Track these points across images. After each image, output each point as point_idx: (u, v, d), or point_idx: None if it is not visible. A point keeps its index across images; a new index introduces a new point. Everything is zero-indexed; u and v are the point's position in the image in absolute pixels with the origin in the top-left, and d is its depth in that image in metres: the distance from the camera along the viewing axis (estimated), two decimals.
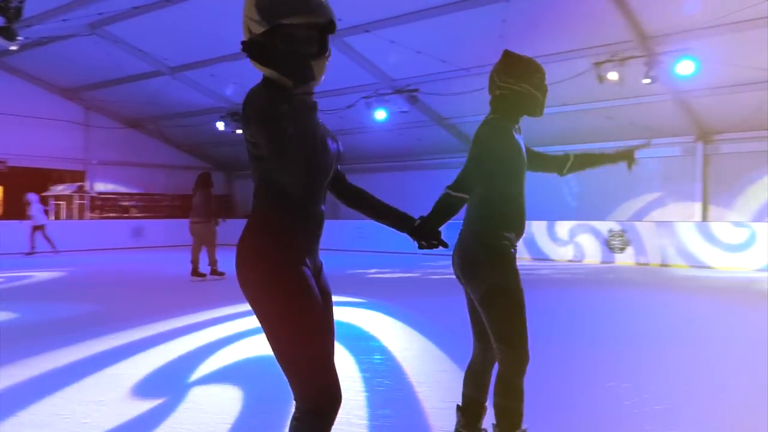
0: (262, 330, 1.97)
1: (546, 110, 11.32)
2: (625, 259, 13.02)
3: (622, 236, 13.15)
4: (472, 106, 13.59)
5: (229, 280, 9.44)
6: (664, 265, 12.40)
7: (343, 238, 15.83)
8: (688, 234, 12.28)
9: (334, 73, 13.15)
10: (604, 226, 13.44)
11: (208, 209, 9.90)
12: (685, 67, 9.84)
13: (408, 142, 16.08)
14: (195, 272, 9.96)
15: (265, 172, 1.97)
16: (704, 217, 12.90)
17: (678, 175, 13.40)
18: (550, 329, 5.87)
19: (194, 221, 9.96)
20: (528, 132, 11.53)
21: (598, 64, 10.54)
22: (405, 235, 2.35)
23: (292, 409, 1.99)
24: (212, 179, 10.36)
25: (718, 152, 12.79)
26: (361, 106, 13.78)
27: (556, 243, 14.07)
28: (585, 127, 13.33)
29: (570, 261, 13.64)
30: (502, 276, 2.59)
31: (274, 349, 1.95)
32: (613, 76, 10.40)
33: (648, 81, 10.18)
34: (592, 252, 13.51)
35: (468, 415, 2.76)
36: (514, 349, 2.56)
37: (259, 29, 1.91)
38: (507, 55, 2.87)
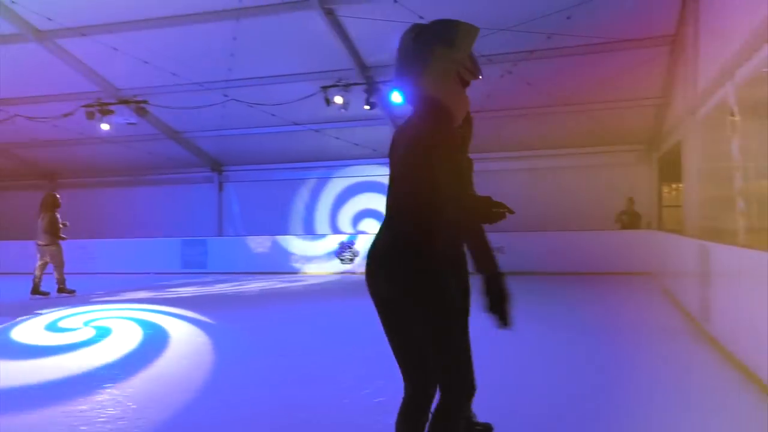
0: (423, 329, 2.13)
1: (278, 129, 11.78)
2: (355, 270, 14.08)
3: (351, 249, 14.22)
4: (207, 120, 13.42)
5: None
6: None
7: None
8: None
9: (45, 77, 11.92)
10: (335, 240, 14.39)
11: (54, 230, 10.28)
12: (396, 97, 11.09)
13: (138, 156, 15.14)
14: (36, 290, 10.34)
15: (430, 191, 2.15)
16: None
17: None
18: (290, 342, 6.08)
19: (41, 243, 10.30)
20: (258, 148, 11.71)
21: (325, 87, 11.27)
22: None
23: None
24: (59, 200, 10.59)
25: None
26: (80, 116, 12.55)
27: (293, 257, 14.61)
28: (315, 145, 14.12)
29: (304, 273, 14.25)
30: None
31: (423, 348, 2.19)
32: (338, 99, 11.22)
33: (368, 107, 11.22)
34: (325, 265, 14.34)
35: None
36: None
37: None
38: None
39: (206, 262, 15.29)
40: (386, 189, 2.34)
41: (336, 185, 15.55)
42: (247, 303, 9.65)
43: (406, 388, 2.33)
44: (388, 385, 4.44)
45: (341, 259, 14.29)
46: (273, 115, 12.54)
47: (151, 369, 5.24)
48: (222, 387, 4.62)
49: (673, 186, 13.40)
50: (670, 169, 11.46)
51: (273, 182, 15.93)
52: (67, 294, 10.46)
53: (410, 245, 2.16)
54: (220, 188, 16.40)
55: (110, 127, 12.80)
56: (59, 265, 10.40)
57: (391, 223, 2.25)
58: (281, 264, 14.60)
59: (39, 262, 10.42)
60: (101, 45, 10.49)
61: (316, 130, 13.40)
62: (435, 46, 2.26)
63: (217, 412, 3.97)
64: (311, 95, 11.57)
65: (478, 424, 3.34)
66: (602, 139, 12.60)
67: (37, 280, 10.38)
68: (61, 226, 10.44)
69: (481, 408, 3.28)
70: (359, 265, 14.05)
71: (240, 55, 10.76)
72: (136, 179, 16.71)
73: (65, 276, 10.49)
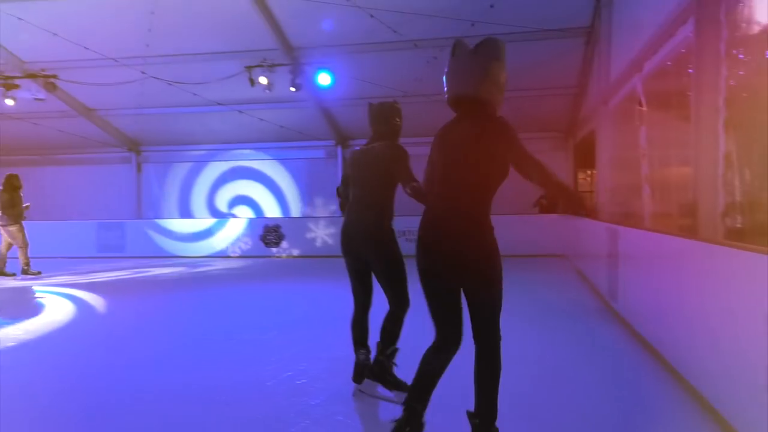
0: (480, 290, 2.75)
1: (201, 108, 11.42)
2: (280, 252, 13.98)
3: (276, 231, 14.09)
4: (124, 98, 12.83)
5: None
6: (312, 256, 13.69)
7: None
8: (329, 228, 13.83)
9: None
10: (259, 223, 14.21)
11: (15, 211, 10.32)
12: (323, 79, 11.02)
13: (47, 134, 14.28)
14: (1, 272, 10.54)
15: (490, 179, 2.77)
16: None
17: (322, 175, 14.93)
18: (213, 323, 5.98)
19: (7, 223, 10.34)
20: (179, 128, 11.33)
21: (249, 68, 11.01)
22: None
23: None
24: (19, 180, 10.58)
25: None
26: None
27: (216, 240, 14.33)
28: (239, 127, 13.81)
29: (228, 257, 14.01)
30: None
31: (483, 304, 2.76)
32: (263, 80, 11.00)
33: (293, 89, 11.07)
34: (249, 247, 14.15)
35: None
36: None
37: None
38: (397, 105, 4.05)
39: (124, 245, 14.72)
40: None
41: (261, 167, 15.28)
42: (166, 287, 9.39)
43: (438, 332, 2.89)
44: (311, 368, 4.49)
45: (266, 242, 14.13)
46: (195, 94, 12.14)
47: (61, 357, 5.04)
48: (139, 371, 4.50)
49: (588, 172, 14.05)
50: (585, 156, 12.01)
51: (195, 164, 15.47)
52: (32, 276, 10.53)
53: (477, 222, 2.76)
54: (139, 169, 15.75)
55: (15, 103, 12.00)
56: (22, 246, 10.47)
57: (454, 207, 2.78)
58: (204, 247, 14.27)
59: (2, 243, 10.58)
60: (4, 14, 9.79)
61: (241, 111, 13.09)
62: (491, 63, 2.89)
63: (135, 396, 3.88)
64: (235, 75, 11.27)
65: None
66: (522, 125, 12.97)
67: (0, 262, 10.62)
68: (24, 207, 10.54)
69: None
70: (284, 248, 13.96)
71: (158, 30, 10.32)
72: (45, 158, 15.79)
73: (30, 258, 10.60)
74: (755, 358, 2.68)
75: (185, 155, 15.43)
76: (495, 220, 2.81)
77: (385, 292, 3.79)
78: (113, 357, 5.04)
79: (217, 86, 11.73)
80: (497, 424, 2.85)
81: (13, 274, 10.56)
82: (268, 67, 10.98)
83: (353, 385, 4.03)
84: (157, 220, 15.12)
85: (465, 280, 2.77)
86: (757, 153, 3.85)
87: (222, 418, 3.53)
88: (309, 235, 13.93)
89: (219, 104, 12.69)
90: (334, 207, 14.75)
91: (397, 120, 3.94)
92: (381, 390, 3.89)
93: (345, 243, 3.86)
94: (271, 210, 14.95)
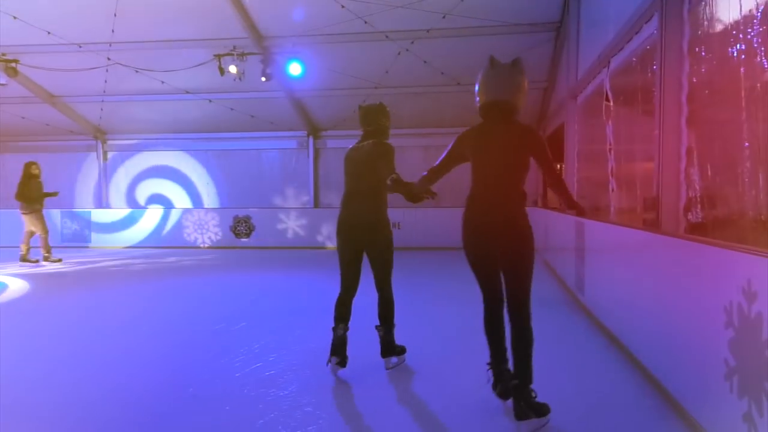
0: (519, 266, 3.27)
1: (169, 97, 11.27)
2: (250, 243, 13.89)
3: (247, 222, 13.98)
4: (88, 85, 12.54)
5: None
6: (283, 247, 13.64)
7: None
8: (300, 219, 13.79)
9: None
10: (229, 213, 14.07)
11: (30, 198, 10.63)
12: (294, 69, 10.92)
13: (8, 120, 13.87)
14: (23, 258, 10.78)
15: (526, 174, 3.37)
16: (316, 204, 14.58)
17: (294, 166, 14.83)
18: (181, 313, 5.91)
19: (23, 211, 10.70)
20: (147, 117, 11.13)
21: (218, 56, 10.85)
22: None
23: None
24: (34, 168, 10.87)
25: (324, 146, 14.59)
26: None
27: (186, 230, 14.17)
28: (209, 116, 13.60)
29: (198, 248, 13.87)
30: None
31: (524, 275, 3.27)
32: (233, 69, 10.85)
33: (264, 79, 10.95)
34: (219, 238, 14.02)
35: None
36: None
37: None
38: (383, 106, 4.38)
39: (89, 235, 14.44)
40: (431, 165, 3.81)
41: (229, 157, 15.08)
42: (132, 278, 9.25)
43: (488, 302, 3.49)
44: (280, 359, 4.49)
45: (236, 233, 14.01)
46: (163, 82, 11.93)
47: (28, 348, 4.94)
48: (105, 363, 4.44)
49: (558, 166, 14.24)
50: (554, 150, 12.14)
51: (164, 152, 15.17)
52: (53, 262, 10.85)
53: (522, 212, 3.31)
54: (105, 158, 15.40)
55: None
56: (41, 234, 10.82)
57: (498, 200, 3.30)
58: (173, 238, 14.09)
59: (25, 230, 10.91)
60: None
61: (210, 100, 12.91)
62: (522, 78, 3.47)
63: (100, 388, 3.83)
64: (204, 63, 11.10)
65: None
66: None
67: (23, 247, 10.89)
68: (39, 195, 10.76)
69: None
70: (254, 238, 13.87)
71: (124, 16, 10.08)
72: (6, 145, 15.32)
73: (31, 246, 10.88)
74: (714, 349, 2.76)
75: (152, 144, 15.13)
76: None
77: (378, 274, 4.24)
78: (80, 349, 4.96)
79: (185, 74, 11.54)
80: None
81: (36, 261, 10.76)
82: (238, 56, 10.83)
83: (323, 376, 4.06)
84: (123, 210, 14.86)
85: (511, 258, 3.28)
86: (718, 149, 3.95)
87: (189, 409, 3.51)
88: (280, 226, 13.88)
89: (188, 92, 12.49)
90: (306, 198, 14.68)
91: (384, 120, 4.32)
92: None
93: (345, 232, 4.26)
94: (242, 200, 14.77)
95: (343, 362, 4.10)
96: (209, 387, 3.90)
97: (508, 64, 3.47)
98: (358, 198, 4.20)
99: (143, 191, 15.35)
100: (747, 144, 3.42)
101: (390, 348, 4.33)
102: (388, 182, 3.92)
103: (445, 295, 7.35)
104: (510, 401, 3.31)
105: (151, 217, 14.30)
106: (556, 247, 8.98)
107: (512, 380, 3.22)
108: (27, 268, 10.33)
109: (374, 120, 4.29)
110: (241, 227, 14.01)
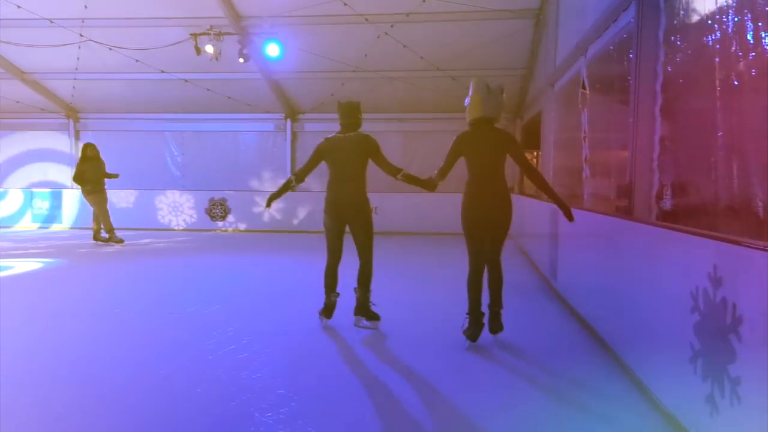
0: (503, 233, 4.53)
1: (144, 76, 11.11)
2: (226, 226, 13.77)
3: (222, 205, 13.85)
4: (60, 62, 12.25)
5: None
6: (259, 231, 13.56)
7: None
8: (277, 202, 13.67)
9: None
10: (205, 196, 13.92)
11: (78, 180, 10.78)
12: (272, 50, 10.78)
13: None
14: (97, 237, 10.97)
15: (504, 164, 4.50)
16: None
17: (271, 149, 14.70)
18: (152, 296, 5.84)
19: (83, 192, 10.84)
20: (121, 95, 10.90)
21: (194, 35, 10.66)
22: None
23: None
24: (89, 150, 10.92)
25: (302, 130, 14.47)
26: None
27: (161, 212, 14.00)
28: (185, 96, 13.38)
29: (173, 230, 13.71)
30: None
31: (504, 239, 4.55)
32: (209, 49, 10.68)
33: (242, 60, 10.79)
34: (194, 221, 13.88)
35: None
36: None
37: None
38: (359, 104, 5.14)
39: (60, 215, 14.18)
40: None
41: (205, 139, 14.87)
42: (105, 259, 9.11)
43: (476, 264, 4.51)
44: (254, 342, 4.47)
45: (212, 216, 13.88)
46: (137, 60, 11.69)
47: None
48: (76, 345, 4.38)
49: (534, 153, 14.33)
50: (532, 138, 12.23)
51: (138, 133, 14.88)
52: (102, 243, 10.88)
53: (508, 195, 4.52)
54: (77, 137, 15.08)
55: None
56: (99, 215, 10.83)
57: (492, 189, 4.44)
58: (146, 220, 13.89)
59: (95, 211, 10.97)
60: None
61: (186, 80, 12.69)
62: (504, 100, 4.65)
63: (71, 371, 3.79)
64: (180, 42, 10.90)
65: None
66: None
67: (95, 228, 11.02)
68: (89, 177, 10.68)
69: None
70: (230, 221, 13.77)
71: None
72: None
73: (101, 226, 10.87)
74: (680, 333, 2.82)
75: (127, 123, 14.82)
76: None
77: (362, 245, 4.95)
78: (47, 333, 4.88)
79: (161, 53, 11.33)
80: None
81: (122, 241, 10.82)
82: (215, 36, 10.67)
83: (296, 360, 4.07)
84: None
85: (499, 230, 4.48)
86: (691, 138, 4.01)
87: (160, 391, 3.49)
88: (256, 210, 13.76)
89: (163, 72, 12.27)
90: (283, 181, 14.53)
91: (359, 115, 5.06)
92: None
93: (333, 209, 4.89)
94: (218, 183, 14.59)
95: (330, 318, 5.03)
96: (181, 369, 3.88)
97: (498, 89, 4.60)
98: (345, 182, 4.89)
99: (116, 171, 15.05)
100: (720, 133, 3.47)
101: (364, 309, 5.00)
102: (399, 178, 4.82)
103: (420, 275, 7.39)
104: (471, 343, 4.45)
105: (125, 198, 14.07)
106: (531, 234, 9.07)
107: (495, 307, 4.53)
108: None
109: (353, 114, 5.00)
110: (217, 210, 13.88)
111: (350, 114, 5.01)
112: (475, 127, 4.57)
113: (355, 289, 5.01)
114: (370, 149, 4.93)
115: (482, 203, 4.43)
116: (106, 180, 10.89)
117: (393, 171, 4.88)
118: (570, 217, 4.49)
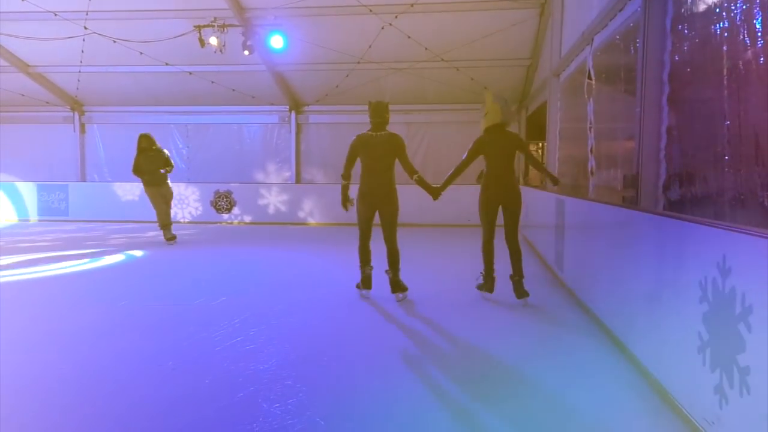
0: (517, 213, 5.60)
1: (150, 68, 11.21)
2: (231, 219, 13.80)
3: (228, 197, 13.87)
4: (65, 55, 12.26)
5: None
6: (265, 223, 13.58)
7: None
8: (282, 194, 13.71)
9: None
10: (210, 188, 13.94)
11: (142, 170, 9.86)
12: (276, 42, 10.76)
13: None
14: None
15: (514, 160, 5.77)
16: (297, 180, 14.50)
17: (276, 141, 14.69)
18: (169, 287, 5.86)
19: (146, 181, 9.90)
20: (125, 88, 10.94)
21: (198, 27, 10.64)
22: None
23: None
24: (143, 140, 9.96)
25: (307, 122, 14.45)
26: None
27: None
28: (189, 89, 13.39)
29: (178, 222, 13.74)
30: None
31: (518, 217, 5.62)
32: (213, 41, 10.66)
33: (247, 52, 10.77)
34: (200, 213, 13.91)
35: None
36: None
37: None
38: (387, 104, 5.77)
39: (67, 209, 14.24)
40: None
41: (210, 131, 14.88)
42: (112, 252, 9.14)
43: (489, 235, 5.64)
44: (261, 334, 4.49)
45: (217, 208, 13.90)
46: (141, 53, 11.69)
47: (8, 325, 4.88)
48: (85, 336, 4.41)
49: (539, 144, 14.30)
50: (536, 128, 12.20)
51: (142, 125, 14.80)
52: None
53: (517, 184, 5.59)
54: (82, 130, 15.12)
55: None
56: (153, 206, 10.13)
57: (507, 180, 5.53)
58: (151, 212, 13.82)
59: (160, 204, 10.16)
60: None
61: (190, 73, 12.69)
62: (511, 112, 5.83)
63: (80, 361, 3.81)
64: (184, 34, 10.89)
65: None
66: (475, 96, 13.09)
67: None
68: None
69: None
70: (235, 214, 13.79)
71: None
72: None
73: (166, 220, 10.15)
74: (688, 324, 2.81)
75: (132, 116, 14.85)
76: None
77: (389, 231, 5.69)
78: (52, 326, 4.92)
79: (165, 46, 11.32)
80: None
81: (173, 238, 10.09)
82: (219, 28, 10.65)
83: (303, 350, 4.08)
84: (102, 183, 14.66)
85: (512, 208, 5.55)
86: (698, 127, 3.98)
87: (168, 382, 3.51)
88: (261, 202, 13.79)
89: (168, 64, 12.27)
90: (288, 173, 14.58)
91: (388, 114, 5.69)
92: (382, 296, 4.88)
93: (366, 198, 5.60)
94: (223, 175, 14.62)
95: (370, 289, 5.78)
96: (189, 360, 3.90)
97: (508, 102, 5.79)
98: (376, 174, 5.57)
99: (121, 164, 15.12)
100: (728, 122, 3.45)
101: (398, 285, 5.69)
102: (414, 179, 5.67)
103: (432, 262, 7.40)
104: (484, 294, 5.77)
105: (130, 191, 14.11)
106: (536, 224, 9.06)
107: (516, 277, 5.54)
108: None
109: (382, 113, 5.64)
110: (222, 202, 13.90)
111: (380, 113, 5.63)
112: (491, 131, 5.58)
113: (386, 271, 5.73)
114: (398, 147, 5.64)
115: (497, 190, 5.50)
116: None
117: (411, 171, 5.67)
118: (555, 182, 5.91)
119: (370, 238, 5.74)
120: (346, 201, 5.72)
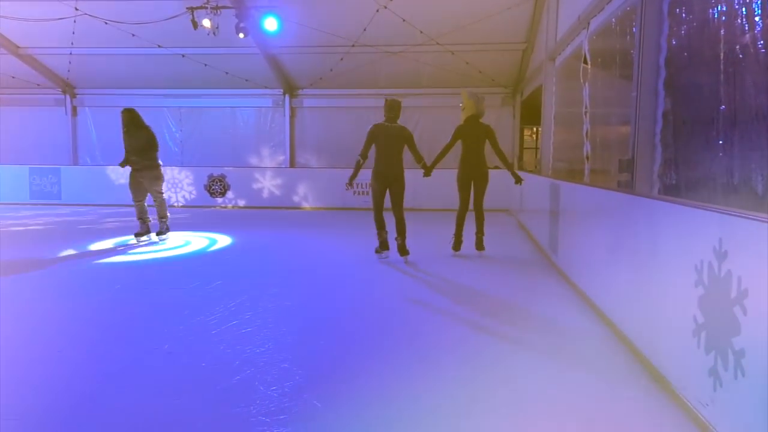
0: (484, 188, 7.25)
1: (142, 51, 11.14)
2: (225, 203, 13.76)
3: (221, 181, 13.81)
4: (55, 36, 12.11)
5: None
6: (259, 207, 13.55)
7: None
8: (276, 178, 13.67)
9: None
10: (204, 172, 13.88)
11: (141, 151, 8.44)
12: (270, 24, 10.65)
13: None
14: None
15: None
16: (292, 164, 14.45)
17: (270, 125, 14.61)
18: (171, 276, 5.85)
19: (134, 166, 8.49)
20: (117, 71, 10.79)
21: (191, 9, 10.51)
22: None
23: None
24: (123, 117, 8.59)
25: (301, 105, 14.37)
26: None
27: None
28: (182, 72, 13.27)
29: (172, 206, 13.70)
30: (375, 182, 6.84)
31: (484, 192, 7.30)
32: (207, 23, 10.54)
33: (242, 35, 10.66)
34: (194, 197, 13.86)
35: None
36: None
37: None
38: (400, 101, 6.97)
39: (59, 192, 14.15)
40: None
41: (203, 114, 14.78)
42: (105, 235, 9.11)
43: (463, 206, 7.21)
44: (256, 317, 4.50)
45: (211, 192, 13.85)
46: (133, 35, 11.56)
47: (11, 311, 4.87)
48: (78, 319, 4.41)
49: (533, 129, 14.28)
50: (531, 113, 12.17)
51: (135, 108, 14.76)
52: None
53: (486, 165, 7.19)
54: (74, 113, 14.98)
55: None
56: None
57: (473, 160, 7.02)
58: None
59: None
60: None
61: (183, 55, 12.56)
62: (484, 103, 7.37)
63: (72, 343, 3.81)
64: (176, 16, 10.76)
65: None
66: (470, 80, 13.05)
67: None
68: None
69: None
70: (229, 198, 13.75)
71: None
72: None
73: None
74: (683, 307, 2.83)
75: (124, 99, 14.67)
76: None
77: (397, 204, 6.91)
78: (53, 309, 4.91)
79: (157, 27, 11.19)
80: None
81: (147, 232, 8.70)
82: (212, 10, 10.52)
83: (299, 333, 4.10)
84: (94, 167, 14.56)
85: (481, 184, 7.11)
86: (693, 112, 3.99)
87: (165, 365, 3.51)
88: (255, 186, 13.75)
89: (160, 46, 12.14)
90: (282, 157, 14.53)
91: (399, 111, 6.88)
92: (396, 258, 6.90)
93: (380, 177, 6.74)
94: (217, 159, 14.55)
95: (388, 250, 6.99)
96: (185, 344, 3.90)
97: (481, 97, 7.21)
98: (389, 157, 6.74)
99: (114, 147, 15.01)
100: (723, 107, 3.45)
101: (404, 250, 6.91)
102: (420, 165, 6.99)
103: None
104: (455, 252, 7.33)
105: (123, 174, 14.02)
106: (531, 209, 9.08)
107: (479, 234, 7.28)
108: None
109: (396, 110, 6.85)
110: (216, 186, 13.85)
111: (394, 109, 6.84)
112: (468, 121, 7.10)
113: (396, 237, 6.93)
114: (408, 137, 6.86)
115: (470, 170, 7.07)
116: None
117: (418, 159, 6.97)
118: (518, 181, 7.45)
119: (383, 210, 6.91)
120: (354, 177, 6.71)
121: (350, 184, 6.74)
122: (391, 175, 6.74)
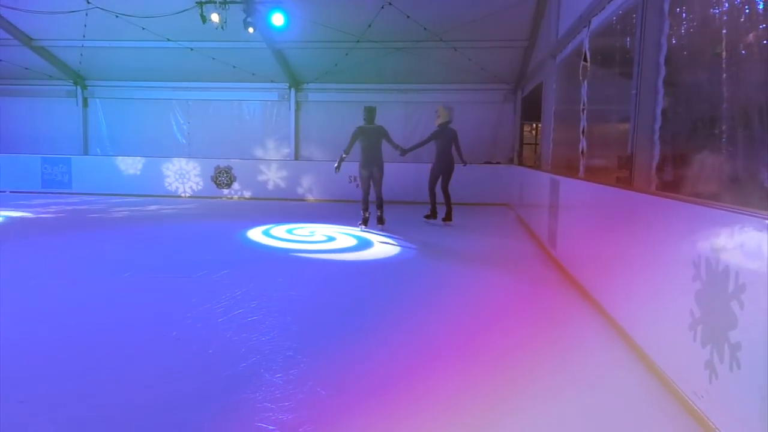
0: (450, 174, 9.62)
1: (150, 44, 11.22)
2: (231, 194, 13.90)
3: (228, 173, 13.95)
4: (67, 29, 12.22)
5: None
6: (264, 198, 13.67)
7: None
8: (281, 171, 13.79)
9: None
10: (210, 164, 14.02)
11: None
12: (277, 19, 10.73)
13: None
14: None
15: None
16: (296, 156, 14.55)
17: (275, 118, 14.72)
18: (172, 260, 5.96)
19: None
20: (127, 63, 10.84)
21: (200, 3, 10.60)
22: None
23: None
24: None
25: (306, 99, 14.46)
26: None
27: (168, 179, 14.13)
28: (191, 65, 13.37)
29: (179, 197, 13.85)
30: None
31: (451, 178, 9.79)
32: (215, 17, 10.63)
33: (251, 30, 10.74)
34: (201, 188, 14.01)
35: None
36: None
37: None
38: (374, 108, 8.96)
39: (70, 181, 14.32)
40: None
41: (210, 107, 14.90)
42: (115, 224, 9.24)
43: (435, 184, 9.69)
44: (262, 305, 4.61)
45: (217, 183, 13.99)
46: (143, 28, 11.66)
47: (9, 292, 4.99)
48: (87, 305, 4.52)
49: (533, 125, 14.32)
50: (532, 109, 12.21)
51: (144, 100, 14.92)
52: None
53: (453, 160, 9.59)
54: (85, 104, 15.13)
55: None
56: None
57: (445, 156, 9.46)
58: (153, 186, 14.03)
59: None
60: None
61: (192, 49, 12.67)
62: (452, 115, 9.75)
63: (81, 330, 3.93)
64: (185, 10, 10.85)
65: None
66: (471, 77, 13.10)
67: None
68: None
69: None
70: (235, 189, 13.89)
71: None
72: None
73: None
74: (680, 302, 2.87)
75: (133, 92, 14.87)
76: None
77: (378, 186, 8.82)
78: (60, 295, 5.02)
79: (166, 21, 11.29)
80: None
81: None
82: (220, 4, 10.61)
83: (304, 322, 4.21)
84: (104, 157, 14.72)
85: (447, 174, 9.51)
86: (693, 110, 4.05)
87: (173, 352, 3.62)
88: (261, 178, 13.88)
89: (169, 40, 12.24)
90: (287, 150, 14.64)
91: (375, 114, 8.78)
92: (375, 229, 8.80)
93: (365, 165, 8.70)
94: (223, 151, 14.67)
95: (366, 225, 8.87)
96: (192, 331, 4.01)
97: (451, 108, 9.55)
98: (371, 151, 8.68)
99: (124, 138, 15.17)
100: (725, 105, 3.50)
101: (381, 220, 8.87)
102: (400, 152, 8.98)
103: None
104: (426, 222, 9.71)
105: (132, 165, 14.20)
106: (530, 204, 9.15)
107: (447, 210, 9.53)
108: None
109: (373, 113, 8.80)
110: (223, 177, 13.99)
111: (372, 112, 8.78)
112: (441, 126, 9.40)
113: (376, 210, 8.92)
114: (384, 133, 8.79)
115: (441, 165, 9.44)
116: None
117: (394, 146, 8.84)
118: (464, 163, 9.89)
119: (369, 193, 8.86)
120: (339, 165, 8.72)
121: (338, 167, 8.76)
122: (374, 164, 8.69)
